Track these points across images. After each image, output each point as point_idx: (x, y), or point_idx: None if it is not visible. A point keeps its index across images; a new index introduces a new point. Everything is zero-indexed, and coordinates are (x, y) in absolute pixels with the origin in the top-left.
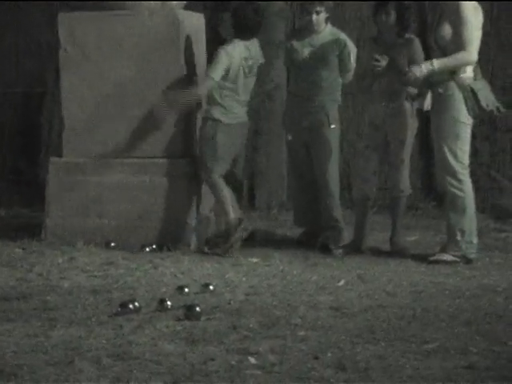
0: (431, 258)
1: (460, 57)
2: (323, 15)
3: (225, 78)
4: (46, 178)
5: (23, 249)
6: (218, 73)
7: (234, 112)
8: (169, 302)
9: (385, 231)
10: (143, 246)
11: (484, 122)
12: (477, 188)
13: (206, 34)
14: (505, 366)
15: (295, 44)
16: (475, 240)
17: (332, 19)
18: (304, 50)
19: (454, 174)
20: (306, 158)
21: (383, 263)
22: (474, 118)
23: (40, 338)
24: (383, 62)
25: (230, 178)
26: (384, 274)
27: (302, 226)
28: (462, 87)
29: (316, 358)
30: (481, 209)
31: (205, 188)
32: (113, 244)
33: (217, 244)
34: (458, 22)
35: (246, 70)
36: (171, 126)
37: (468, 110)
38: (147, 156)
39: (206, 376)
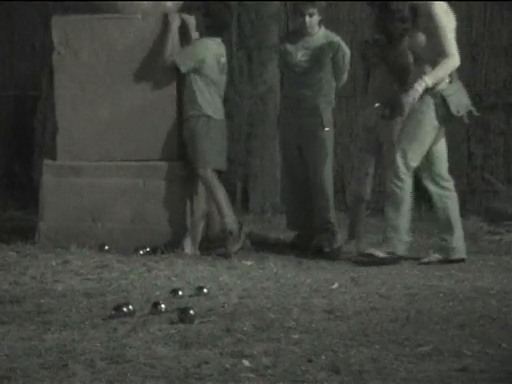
0: (365, 252)
1: (447, 64)
2: (316, 17)
3: (207, 73)
4: (39, 181)
5: (17, 252)
6: (189, 63)
7: (220, 108)
8: (163, 305)
9: (379, 233)
10: (137, 249)
11: (478, 125)
12: (471, 191)
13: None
14: (498, 369)
15: (289, 47)
16: (406, 238)
17: (325, 21)
18: (298, 52)
19: (396, 172)
20: (300, 160)
21: (377, 266)
22: (446, 126)
23: (34, 342)
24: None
25: (224, 181)
26: (377, 276)
27: (295, 230)
28: (433, 94)
29: (310, 360)
30: (475, 211)
31: (199, 191)
32: (107, 247)
33: (211, 247)
34: (433, 29)
35: (221, 67)
36: (165, 128)
37: (437, 116)
38: (141, 159)
39: (200, 379)
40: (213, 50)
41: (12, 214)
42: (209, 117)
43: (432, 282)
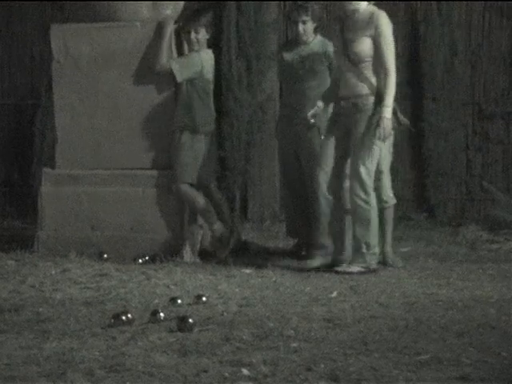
0: (338, 269)
1: (391, 82)
2: (310, 25)
3: (202, 85)
4: (38, 190)
5: (16, 260)
6: (185, 73)
7: (211, 120)
8: (162, 314)
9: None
10: (136, 258)
11: (476, 134)
12: (469, 199)
13: None
14: (498, 377)
15: (285, 55)
16: (377, 250)
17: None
18: (293, 61)
19: (363, 187)
20: (298, 168)
21: (376, 274)
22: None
23: (33, 350)
24: None
25: (208, 194)
26: (377, 285)
27: (295, 237)
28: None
29: (309, 369)
30: (474, 220)
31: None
32: (105, 255)
33: (210, 254)
34: (379, 40)
35: (212, 79)
36: (164, 137)
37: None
38: (140, 167)
39: None
40: (207, 62)
41: (11, 222)
42: (196, 129)
43: (431, 290)
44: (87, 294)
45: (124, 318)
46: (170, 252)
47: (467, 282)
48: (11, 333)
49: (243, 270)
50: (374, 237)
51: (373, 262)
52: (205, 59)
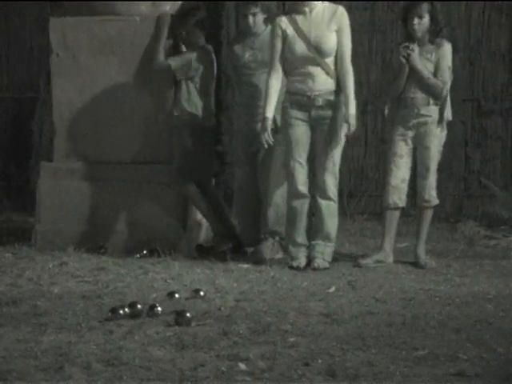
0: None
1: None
2: (260, 16)
3: (202, 82)
4: (36, 183)
5: (13, 254)
6: (185, 71)
7: (210, 115)
8: (159, 308)
9: (375, 237)
10: (134, 252)
11: (475, 130)
12: (468, 195)
13: None
14: (494, 373)
15: (236, 48)
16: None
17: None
18: (245, 53)
19: (335, 183)
20: (253, 168)
21: (373, 270)
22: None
23: (30, 344)
24: (415, 50)
25: (206, 190)
26: (374, 280)
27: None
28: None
29: (306, 364)
30: (472, 216)
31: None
32: (103, 249)
33: (208, 249)
34: (343, 33)
35: (214, 74)
36: (163, 131)
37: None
38: (139, 162)
39: (196, 382)
40: (204, 59)
41: (9, 215)
42: (195, 125)
43: (428, 286)
44: (85, 287)
45: (121, 311)
46: (168, 246)
47: (465, 278)
48: (8, 326)
49: (241, 265)
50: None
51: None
52: (201, 57)
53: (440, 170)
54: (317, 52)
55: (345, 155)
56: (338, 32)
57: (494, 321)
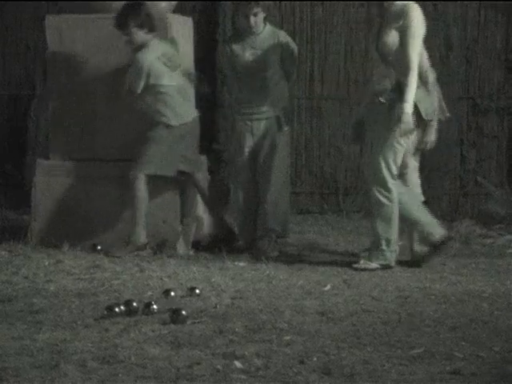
0: (355, 266)
1: (412, 79)
2: (261, 15)
3: (160, 82)
4: (32, 181)
5: (9, 251)
6: (139, 82)
7: (184, 112)
8: (155, 306)
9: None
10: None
11: (471, 129)
12: (463, 194)
13: (194, 37)
14: (490, 372)
15: (235, 48)
16: (396, 248)
17: (319, 24)
18: (245, 52)
19: (383, 183)
20: (253, 168)
21: (369, 268)
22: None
23: (25, 341)
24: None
25: (194, 183)
26: (370, 279)
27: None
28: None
29: (302, 362)
30: (467, 215)
31: (191, 192)
32: (99, 247)
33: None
34: (405, 30)
35: (175, 65)
36: None
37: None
38: (134, 159)
39: (192, 380)
40: (157, 53)
41: (4, 213)
42: (171, 123)
43: (424, 284)
44: (80, 285)
45: (117, 309)
46: (164, 244)
47: (460, 277)
48: (4, 323)
49: (236, 263)
50: (394, 234)
51: (392, 259)
52: (152, 58)
53: (436, 168)
54: None
55: (340, 153)
56: None
57: (490, 319)
